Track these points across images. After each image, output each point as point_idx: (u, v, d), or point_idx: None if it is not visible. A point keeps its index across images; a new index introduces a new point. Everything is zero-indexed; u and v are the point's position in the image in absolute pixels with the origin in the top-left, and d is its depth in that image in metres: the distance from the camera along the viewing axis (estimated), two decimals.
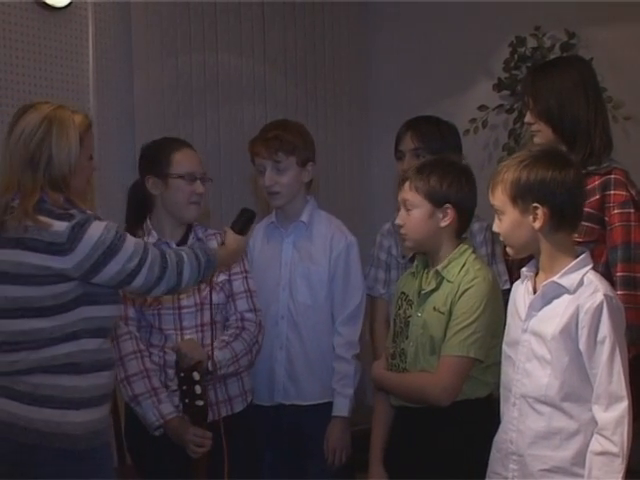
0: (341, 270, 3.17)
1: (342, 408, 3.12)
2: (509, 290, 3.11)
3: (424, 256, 2.72)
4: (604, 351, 2.18)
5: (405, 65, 5.36)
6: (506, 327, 2.44)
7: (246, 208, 2.90)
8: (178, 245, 2.94)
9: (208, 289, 2.96)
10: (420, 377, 2.63)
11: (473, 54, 5.06)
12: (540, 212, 2.25)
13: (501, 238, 2.38)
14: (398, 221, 2.70)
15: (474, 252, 2.68)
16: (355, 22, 5.41)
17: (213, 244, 3.00)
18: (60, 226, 2.33)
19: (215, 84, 4.53)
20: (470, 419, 2.55)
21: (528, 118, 2.86)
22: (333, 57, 5.25)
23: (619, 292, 2.64)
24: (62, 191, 2.40)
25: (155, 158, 2.97)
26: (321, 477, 3.13)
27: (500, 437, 2.40)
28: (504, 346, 2.42)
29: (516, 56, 4.85)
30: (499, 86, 4.89)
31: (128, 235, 2.45)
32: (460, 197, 2.63)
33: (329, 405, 3.13)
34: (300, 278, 3.15)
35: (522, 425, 2.31)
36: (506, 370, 2.40)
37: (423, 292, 2.66)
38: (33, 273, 2.34)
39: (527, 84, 2.92)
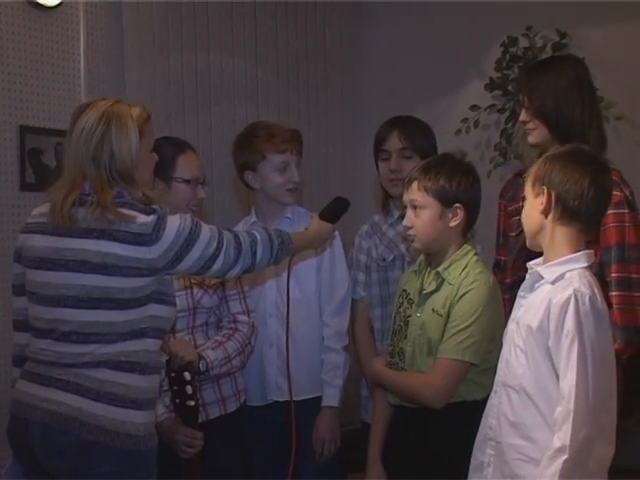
0: (327, 262, 3.18)
1: (332, 398, 3.13)
2: None
3: (427, 255, 2.72)
4: (565, 346, 2.17)
5: (397, 65, 5.36)
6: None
7: (340, 197, 2.90)
8: None
9: (202, 292, 2.96)
10: (415, 377, 2.63)
11: (465, 54, 5.07)
12: (545, 194, 2.26)
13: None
14: (406, 223, 2.68)
15: (476, 254, 2.68)
16: (347, 22, 5.42)
17: None
18: (146, 219, 2.36)
19: (207, 84, 4.53)
20: (467, 421, 2.54)
21: (523, 116, 2.85)
22: (325, 57, 5.26)
23: (614, 293, 2.64)
24: (131, 185, 2.43)
25: (158, 159, 2.95)
26: (314, 476, 3.14)
27: (482, 422, 2.41)
28: (503, 335, 2.43)
29: (508, 56, 4.87)
30: (491, 86, 4.90)
31: (202, 222, 2.48)
32: (469, 195, 2.63)
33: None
34: (286, 274, 3.15)
35: (500, 413, 2.33)
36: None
37: (424, 292, 2.66)
38: (120, 264, 2.35)
39: (522, 82, 2.90)
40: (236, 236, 2.50)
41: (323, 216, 2.82)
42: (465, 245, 2.67)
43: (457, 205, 2.61)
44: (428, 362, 2.60)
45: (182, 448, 2.77)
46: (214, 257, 2.44)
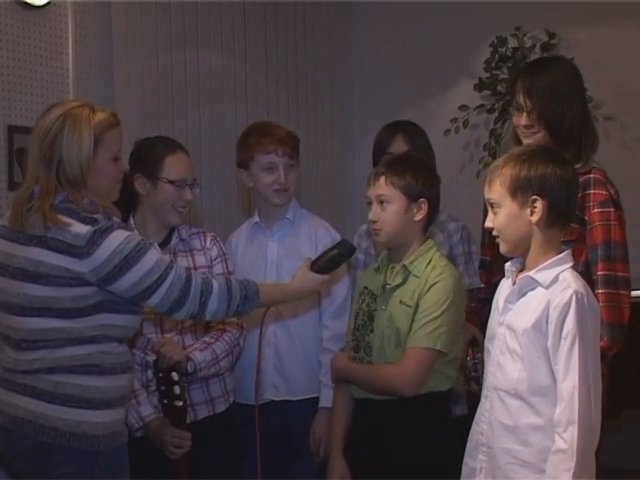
0: None
1: (328, 399, 3.12)
2: (483, 289, 3.15)
3: (389, 252, 2.78)
4: (565, 347, 2.17)
5: (386, 65, 5.37)
6: (489, 322, 2.44)
7: (345, 241, 2.80)
8: (161, 245, 2.93)
9: None
10: (385, 368, 2.68)
11: (454, 54, 5.09)
12: (539, 205, 2.24)
13: (494, 233, 2.36)
14: (371, 217, 2.74)
15: (438, 250, 2.77)
16: (336, 22, 5.42)
17: (196, 244, 3.00)
18: (82, 229, 2.30)
19: (196, 84, 4.53)
20: (432, 412, 2.62)
21: (525, 120, 2.80)
22: (314, 57, 5.26)
23: (600, 291, 2.65)
24: (80, 191, 2.36)
25: (147, 158, 2.93)
26: (309, 476, 3.14)
27: (473, 428, 2.42)
28: (485, 340, 2.43)
29: (497, 56, 4.88)
30: (480, 86, 4.91)
31: (152, 249, 2.41)
32: (432, 193, 2.73)
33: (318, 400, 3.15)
34: (287, 275, 3.13)
35: (492, 417, 2.32)
36: (486, 363, 2.41)
37: (388, 287, 2.72)
38: (52, 274, 2.31)
39: (523, 85, 2.82)
40: (188, 279, 2.41)
41: (316, 264, 2.70)
42: (429, 240, 2.76)
43: (422, 200, 2.70)
44: (396, 353, 2.65)
45: (170, 449, 2.76)
46: (152, 289, 2.35)
